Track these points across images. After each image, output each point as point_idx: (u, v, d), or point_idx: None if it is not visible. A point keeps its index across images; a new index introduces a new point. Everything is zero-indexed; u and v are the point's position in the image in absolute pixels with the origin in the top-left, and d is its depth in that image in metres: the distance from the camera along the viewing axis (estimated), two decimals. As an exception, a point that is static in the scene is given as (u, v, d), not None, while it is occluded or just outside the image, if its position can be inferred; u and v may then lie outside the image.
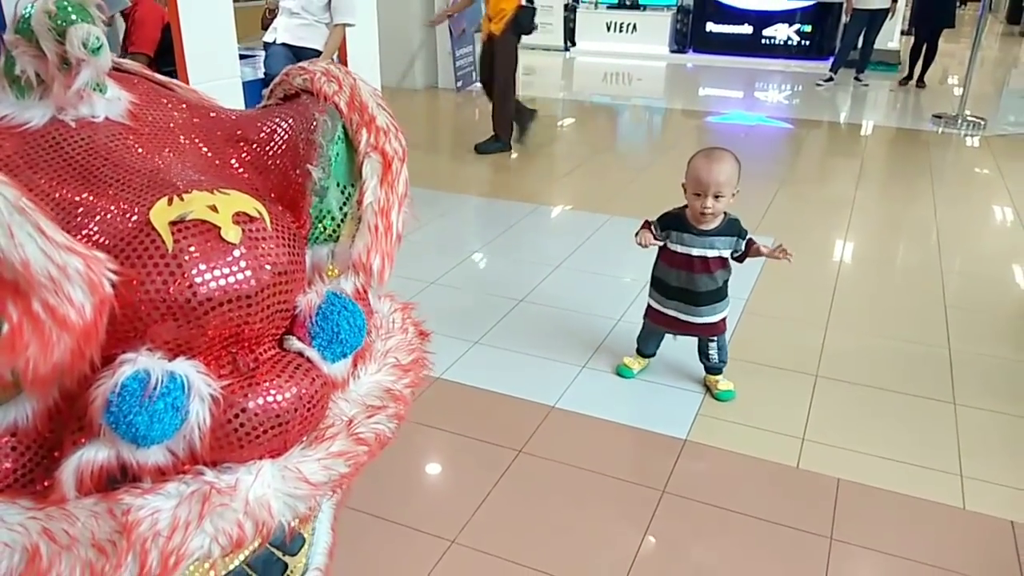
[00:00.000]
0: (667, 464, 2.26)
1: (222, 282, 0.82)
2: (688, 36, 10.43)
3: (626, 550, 1.94)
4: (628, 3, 10.50)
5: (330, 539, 1.23)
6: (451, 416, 2.45)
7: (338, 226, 1.01)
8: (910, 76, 8.53)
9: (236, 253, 0.83)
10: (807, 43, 9.82)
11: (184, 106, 1.09)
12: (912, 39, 8.74)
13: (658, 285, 2.55)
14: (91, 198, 0.85)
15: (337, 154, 1.00)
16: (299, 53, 4.10)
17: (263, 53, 4.38)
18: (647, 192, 4.83)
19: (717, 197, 2.32)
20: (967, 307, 3.29)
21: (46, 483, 0.84)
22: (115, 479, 0.83)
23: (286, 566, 1.18)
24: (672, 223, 2.45)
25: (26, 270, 0.71)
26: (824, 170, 5.92)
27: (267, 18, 5.52)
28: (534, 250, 3.92)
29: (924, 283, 3.54)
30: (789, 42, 9.92)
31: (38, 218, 0.72)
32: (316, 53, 4.11)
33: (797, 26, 9.83)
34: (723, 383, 2.58)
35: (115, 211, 0.82)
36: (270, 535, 0.89)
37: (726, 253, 2.43)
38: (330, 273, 1.01)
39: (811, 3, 9.69)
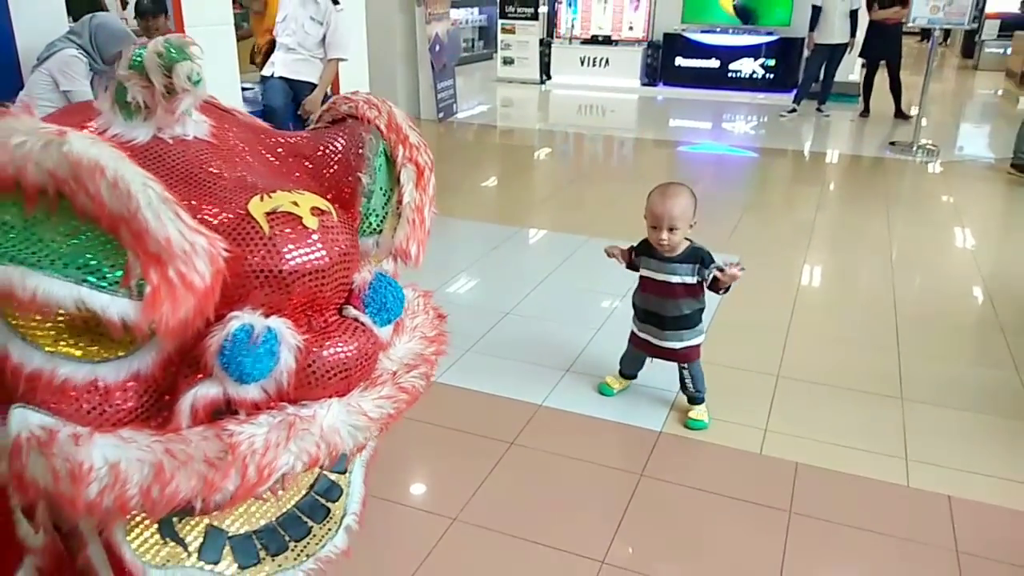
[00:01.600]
0: (644, 453, 2.51)
1: (304, 259, 1.06)
2: (658, 70, 10.84)
3: (609, 523, 2.18)
4: (600, 39, 10.92)
5: (363, 491, 1.46)
6: (448, 414, 2.68)
7: (381, 221, 1.26)
8: (867, 110, 8.95)
9: (314, 237, 1.07)
10: (771, 76, 10.26)
11: (248, 128, 1.34)
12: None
13: (635, 309, 2.73)
14: (195, 197, 1.09)
15: (380, 165, 1.25)
16: (295, 86, 4.37)
17: (259, 87, 4.64)
18: (621, 216, 5.11)
19: (672, 230, 2.46)
20: (916, 317, 3.60)
21: (160, 419, 1.07)
22: (220, 412, 1.06)
23: (328, 510, 1.41)
24: (643, 250, 2.63)
25: (167, 245, 0.94)
26: (788, 195, 6.26)
27: (255, 53, 5.78)
28: (517, 269, 4.19)
29: (877, 295, 3.85)
30: (754, 75, 10.36)
31: (176, 207, 0.96)
32: (312, 86, 4.38)
33: (762, 60, 10.28)
34: (695, 412, 2.66)
35: (218, 206, 1.06)
36: (337, 458, 1.12)
37: (689, 279, 2.54)
38: (374, 259, 1.26)
39: (775, 39, 10.16)
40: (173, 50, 1.11)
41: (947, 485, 2.38)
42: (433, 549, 2.06)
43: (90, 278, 0.95)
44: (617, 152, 7.96)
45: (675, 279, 2.55)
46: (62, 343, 1.02)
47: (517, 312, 3.54)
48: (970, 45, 15.37)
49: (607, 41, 10.93)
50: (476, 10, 13.16)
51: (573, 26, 11.12)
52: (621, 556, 2.06)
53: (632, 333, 2.77)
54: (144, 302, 0.95)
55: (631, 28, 10.91)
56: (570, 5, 11.07)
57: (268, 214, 1.05)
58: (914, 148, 7.09)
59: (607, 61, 10.88)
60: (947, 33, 15.66)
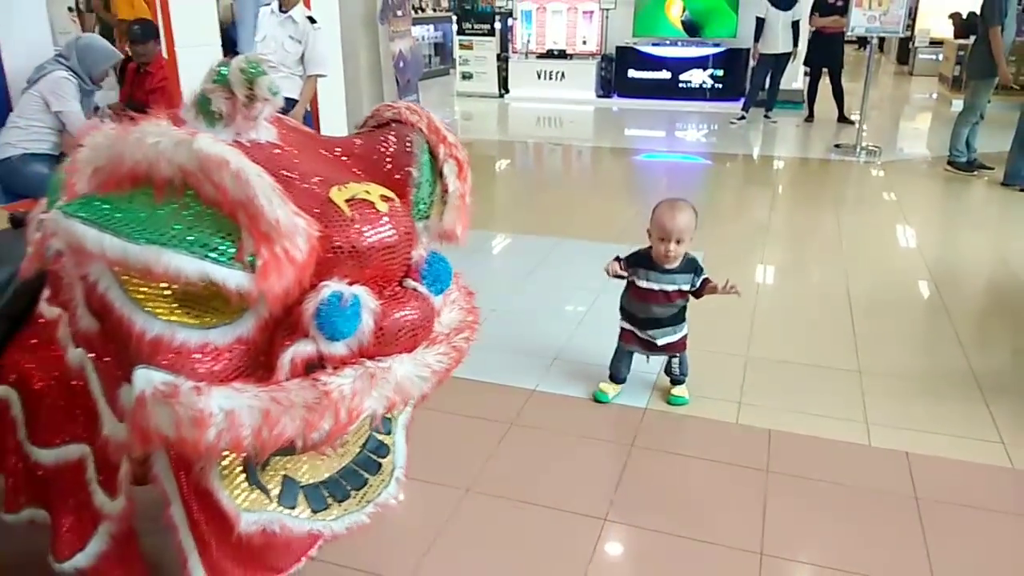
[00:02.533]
0: (633, 427, 2.75)
1: (378, 236, 1.26)
2: (612, 82, 11.21)
3: (607, 487, 2.41)
4: (556, 53, 11.25)
5: (405, 450, 1.67)
6: (450, 402, 2.87)
7: (428, 208, 1.46)
8: (811, 115, 9.42)
9: (385, 219, 1.27)
10: (720, 86, 10.70)
11: (304, 134, 1.54)
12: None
13: (627, 315, 2.88)
14: (283, 188, 1.28)
15: (425, 160, 1.46)
16: (277, 103, 4.54)
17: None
18: (587, 219, 5.41)
19: (679, 242, 2.67)
20: (867, 300, 3.92)
21: (260, 375, 1.26)
22: (312, 367, 1.26)
23: (380, 465, 1.61)
24: (640, 262, 2.78)
25: (277, 225, 1.14)
26: (742, 196, 6.62)
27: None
28: (496, 270, 4.41)
29: (831, 283, 4.17)
30: (704, 85, 10.79)
31: (282, 194, 1.16)
32: (293, 102, 4.56)
33: (710, 71, 10.71)
34: (677, 390, 2.90)
35: (304, 195, 1.26)
36: (409, 402, 1.33)
37: (686, 287, 2.76)
38: (424, 241, 1.47)
39: (721, 50, 10.60)
40: (253, 67, 1.31)
41: (904, 443, 2.66)
42: (451, 516, 2.27)
43: (211, 255, 1.15)
44: (577, 161, 8.26)
45: (673, 288, 2.75)
46: (177, 313, 1.21)
47: (502, 310, 3.76)
48: (905, 52, 16.14)
49: (562, 55, 11.27)
50: (432, 27, 13.43)
51: (529, 41, 11.44)
52: (620, 514, 2.29)
53: (625, 331, 2.90)
54: (256, 274, 1.15)
55: (584, 42, 11.27)
56: (526, 21, 11.38)
57: (347, 200, 1.26)
58: (857, 149, 7.52)
59: (563, 74, 11.21)
60: (882, 41, 16.38)
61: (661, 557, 2.14)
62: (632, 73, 11.03)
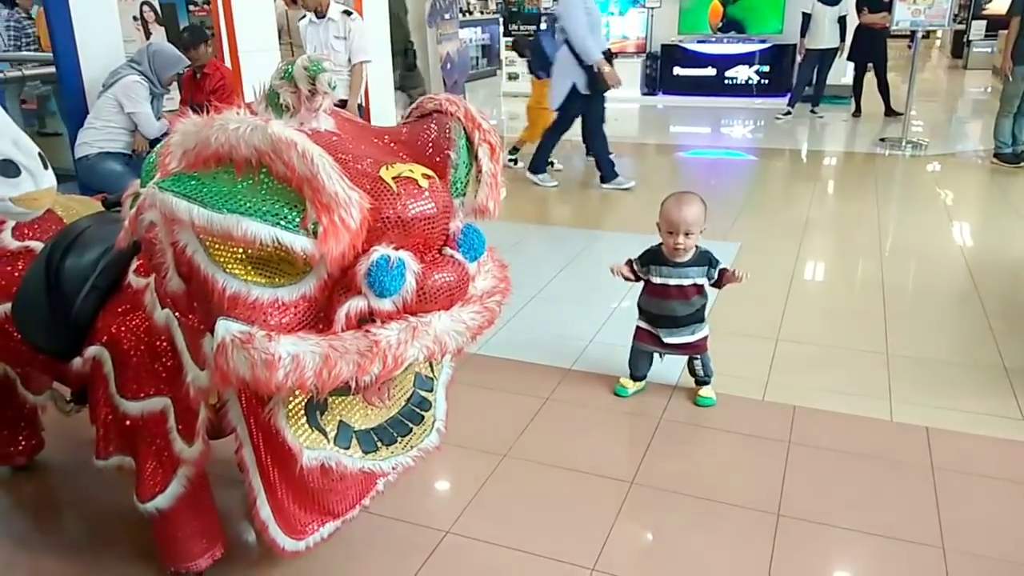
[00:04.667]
0: (662, 402, 2.91)
1: (420, 208, 1.46)
2: (657, 80, 11.30)
3: (635, 456, 2.58)
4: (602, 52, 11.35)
5: (445, 406, 1.88)
6: (490, 379, 3.08)
7: (464, 187, 1.66)
8: (858, 110, 9.39)
9: (427, 194, 1.47)
10: (766, 82, 10.71)
11: (356, 124, 1.75)
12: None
13: (645, 313, 2.91)
14: (340, 168, 1.50)
15: (462, 145, 1.66)
16: (331, 102, 4.81)
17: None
18: (631, 214, 5.57)
19: (687, 234, 2.68)
20: (902, 286, 4.00)
21: (320, 327, 1.47)
22: (363, 321, 1.46)
23: (423, 417, 1.82)
24: (652, 259, 2.81)
25: (336, 197, 1.35)
26: (786, 189, 6.68)
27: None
28: (539, 260, 4.60)
29: (866, 269, 4.26)
30: (749, 81, 10.81)
31: (340, 172, 1.37)
32: (344, 102, 4.82)
33: (756, 67, 10.74)
34: (704, 391, 2.90)
35: (357, 173, 1.47)
36: (447, 353, 1.53)
37: (701, 280, 2.79)
38: (461, 216, 1.67)
39: (767, 46, 10.61)
40: (315, 65, 1.53)
41: (925, 419, 2.77)
42: (488, 478, 2.47)
43: (281, 222, 1.36)
44: (623, 158, 8.38)
45: (688, 282, 2.78)
46: (252, 274, 1.43)
47: (543, 296, 3.95)
48: (959, 45, 15.83)
49: (608, 54, 11.36)
50: (479, 29, 13.67)
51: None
52: (645, 478, 2.46)
53: (640, 330, 2.93)
54: (318, 238, 1.36)
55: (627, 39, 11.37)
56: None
57: (394, 178, 1.46)
58: (904, 143, 7.50)
59: (608, 73, 11.31)
60: (927, 34, 16.09)
61: (681, 516, 2.30)
62: (677, 71, 11.11)
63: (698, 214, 2.71)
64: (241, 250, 1.41)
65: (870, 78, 9.21)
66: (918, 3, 7.09)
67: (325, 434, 1.64)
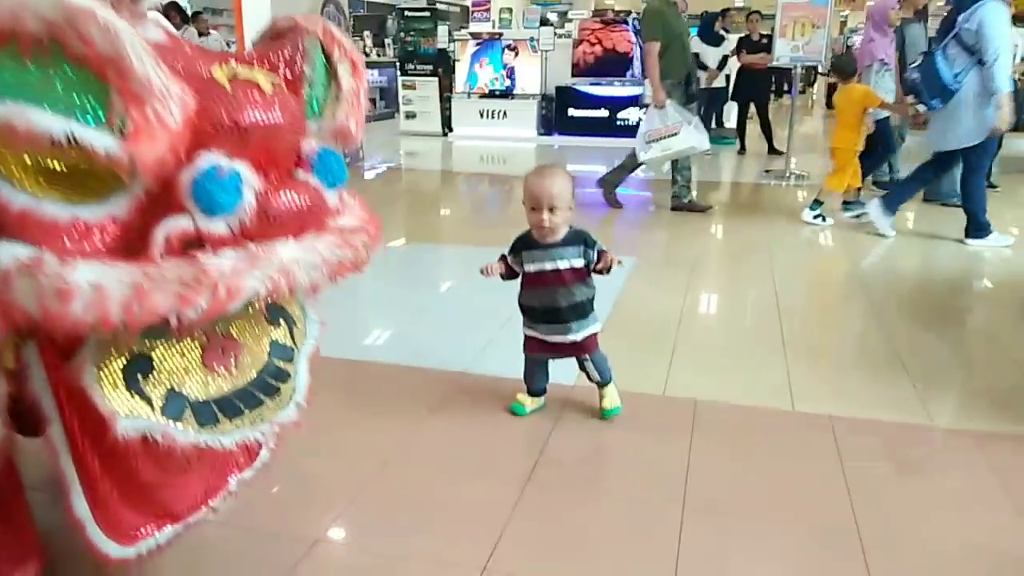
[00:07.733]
0: (560, 403, 2.72)
1: (261, 115, 1.23)
2: (552, 120, 11.43)
3: (531, 455, 2.37)
4: (498, 92, 11.45)
5: (307, 381, 1.62)
6: (367, 385, 2.81)
7: (322, 106, 1.45)
8: (743, 148, 9.74)
9: (269, 99, 1.25)
10: (657, 123, 10.98)
11: (196, 48, 1.52)
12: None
13: (525, 311, 2.62)
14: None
15: (319, 60, 1.45)
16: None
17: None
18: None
19: (551, 209, 2.39)
20: (794, 296, 4.00)
21: (134, 259, 1.20)
22: (192, 245, 1.21)
23: (279, 389, 1.55)
24: (521, 244, 2.54)
25: (148, 85, 1.11)
26: (675, 217, 6.74)
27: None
28: (436, 276, 4.39)
29: (760, 284, 4.25)
30: (640, 122, 11.05)
31: (156, 57, 1.13)
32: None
33: (646, 108, 11.01)
34: (608, 400, 2.61)
35: (181, 74, 1.23)
36: (295, 291, 1.28)
37: (578, 263, 2.47)
38: (318, 140, 1.45)
39: (657, 88, 10.91)
40: None
41: (826, 407, 2.68)
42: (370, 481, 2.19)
43: (79, 115, 1.11)
44: (516, 190, 8.32)
45: (563, 264, 2.47)
46: (44, 187, 1.16)
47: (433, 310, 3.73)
48: (831, 97, 16.86)
49: (504, 95, 11.46)
50: (376, 72, 13.56)
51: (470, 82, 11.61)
52: (544, 476, 2.25)
53: (528, 338, 2.64)
54: (126, 137, 1.11)
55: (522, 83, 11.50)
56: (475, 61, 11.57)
57: (231, 79, 1.23)
58: (787, 174, 7.76)
59: (505, 113, 11.39)
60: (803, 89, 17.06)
61: (581, 513, 2.09)
62: (572, 112, 11.26)
63: (563, 187, 2.41)
64: (28, 154, 1.14)
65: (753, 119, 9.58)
66: (795, 39, 7.41)
67: (150, 402, 1.36)
